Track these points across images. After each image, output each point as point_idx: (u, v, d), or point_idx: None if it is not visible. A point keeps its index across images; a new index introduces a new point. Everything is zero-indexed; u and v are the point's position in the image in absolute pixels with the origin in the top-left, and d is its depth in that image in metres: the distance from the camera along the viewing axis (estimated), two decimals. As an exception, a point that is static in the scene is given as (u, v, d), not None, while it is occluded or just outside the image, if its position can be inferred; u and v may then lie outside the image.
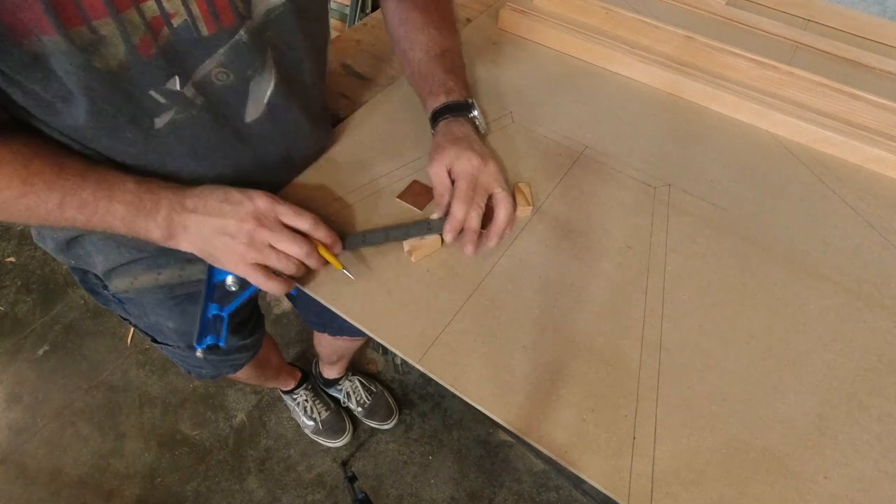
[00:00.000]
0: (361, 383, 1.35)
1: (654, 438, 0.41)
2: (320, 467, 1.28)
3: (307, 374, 1.34)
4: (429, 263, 0.51)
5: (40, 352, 1.42)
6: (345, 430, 1.31)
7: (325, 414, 1.30)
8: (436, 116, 0.57)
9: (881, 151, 0.62)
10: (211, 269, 0.49)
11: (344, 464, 1.28)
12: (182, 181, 0.47)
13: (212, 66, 0.43)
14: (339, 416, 1.33)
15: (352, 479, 1.06)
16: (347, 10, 1.38)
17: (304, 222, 0.47)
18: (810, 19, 0.87)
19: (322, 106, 0.59)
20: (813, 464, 0.41)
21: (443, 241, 0.50)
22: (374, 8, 1.31)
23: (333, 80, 0.71)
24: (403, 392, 1.40)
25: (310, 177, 0.57)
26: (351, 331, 0.97)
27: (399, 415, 1.35)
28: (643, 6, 0.81)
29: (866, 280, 0.53)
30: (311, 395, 1.31)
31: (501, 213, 0.50)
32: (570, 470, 0.40)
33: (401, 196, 0.55)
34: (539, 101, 0.68)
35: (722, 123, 0.68)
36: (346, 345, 1.16)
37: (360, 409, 1.33)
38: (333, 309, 0.47)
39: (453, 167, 0.52)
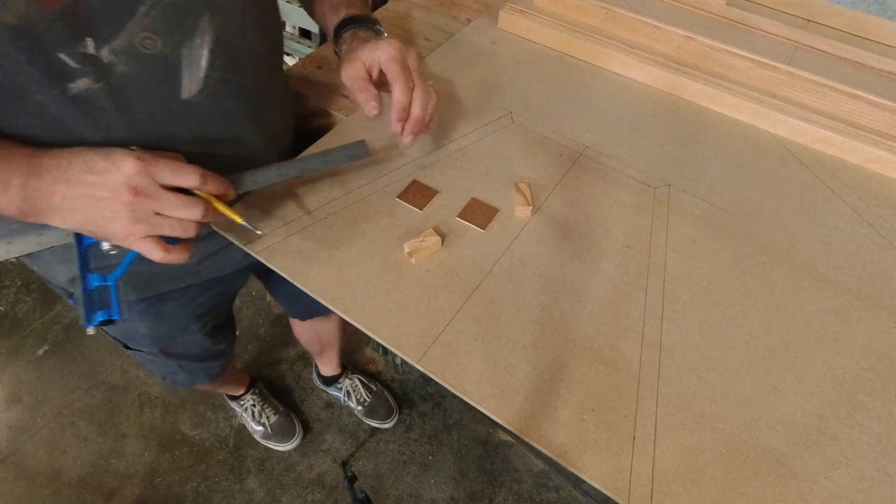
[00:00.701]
0: (361, 382, 1.35)
1: (654, 438, 0.41)
2: (320, 467, 1.28)
3: (254, 379, 1.33)
4: (429, 264, 0.51)
5: (40, 352, 1.42)
6: (294, 433, 1.30)
7: (273, 418, 1.29)
8: (338, 31, 0.54)
9: (881, 151, 0.62)
10: (78, 234, 0.44)
11: (344, 464, 1.28)
12: None
13: (136, 31, 0.38)
14: (289, 419, 1.32)
15: (352, 479, 1.06)
16: (347, 10, 1.38)
17: (188, 179, 0.41)
18: (810, 19, 0.87)
19: (279, 100, 0.56)
20: (813, 464, 0.41)
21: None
22: (375, 8, 1.30)
23: (334, 79, 0.71)
24: (403, 392, 1.40)
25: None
26: (318, 309, 0.97)
27: (399, 414, 1.35)
28: (643, 6, 0.81)
29: (866, 280, 0.53)
30: (259, 399, 1.30)
31: (429, 104, 0.49)
32: (570, 470, 0.40)
33: (401, 196, 0.55)
34: (539, 101, 0.68)
35: (722, 123, 0.68)
36: (322, 328, 1.13)
37: (360, 407, 1.33)
38: (333, 309, 0.47)
39: (371, 61, 0.48)
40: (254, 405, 1.29)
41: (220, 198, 0.44)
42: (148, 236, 0.41)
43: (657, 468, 0.40)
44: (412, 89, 0.48)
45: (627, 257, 0.52)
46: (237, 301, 1.45)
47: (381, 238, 0.52)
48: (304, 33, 1.45)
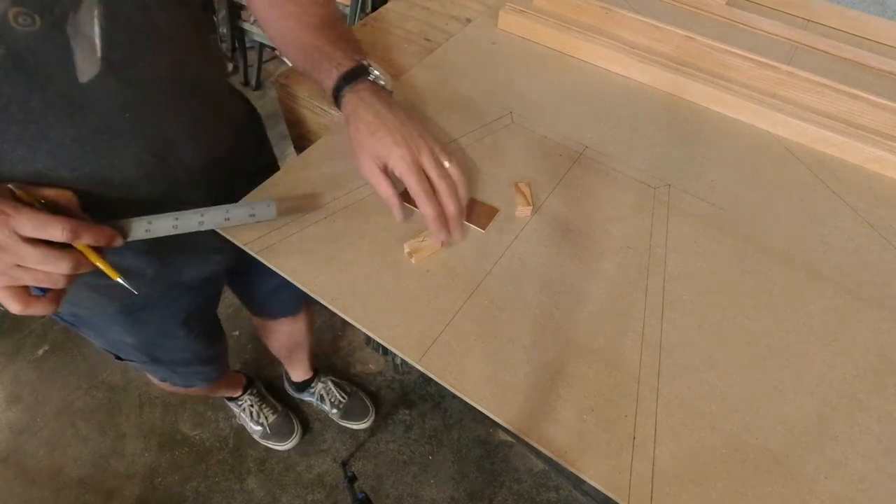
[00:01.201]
0: (334, 383, 1.34)
1: (654, 438, 0.41)
2: (320, 467, 1.28)
3: (252, 379, 1.32)
4: (429, 264, 0.51)
5: (40, 352, 1.42)
6: (293, 432, 1.30)
7: (272, 418, 1.29)
8: (336, 95, 0.52)
9: (881, 151, 0.62)
10: None
11: (344, 464, 1.28)
12: None
13: (4, 7, 0.35)
14: (287, 418, 1.31)
15: (352, 479, 1.06)
16: (347, 10, 1.38)
17: (53, 233, 0.38)
18: (810, 19, 0.87)
19: (217, 103, 0.52)
20: (813, 464, 0.41)
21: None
22: (374, 8, 1.31)
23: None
24: (403, 392, 1.40)
25: (297, 173, 0.57)
26: (284, 309, 0.96)
27: (376, 414, 1.34)
28: (643, 6, 0.81)
29: (866, 280, 0.53)
30: (257, 399, 1.30)
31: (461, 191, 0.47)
32: (570, 470, 0.40)
33: (401, 196, 0.55)
34: (539, 102, 0.68)
35: (722, 123, 0.68)
36: (291, 329, 1.09)
37: (335, 410, 1.32)
38: (333, 309, 0.47)
39: (386, 164, 0.47)
40: (252, 405, 1.28)
41: (105, 246, 0.41)
42: (6, 287, 0.38)
43: (657, 468, 0.40)
44: (435, 196, 0.46)
45: (627, 257, 0.52)
46: (236, 301, 1.45)
47: (381, 238, 0.52)
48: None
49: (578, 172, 0.60)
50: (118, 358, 0.78)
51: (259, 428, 1.28)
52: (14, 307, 0.39)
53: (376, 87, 0.52)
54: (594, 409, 0.43)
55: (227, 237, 0.50)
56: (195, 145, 0.52)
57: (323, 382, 1.34)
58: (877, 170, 0.63)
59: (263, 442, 1.30)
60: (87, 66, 0.39)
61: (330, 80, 0.52)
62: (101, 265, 0.42)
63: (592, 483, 0.39)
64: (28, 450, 1.26)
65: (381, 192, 0.48)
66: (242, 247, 0.50)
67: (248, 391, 1.29)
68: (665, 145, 0.64)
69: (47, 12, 0.36)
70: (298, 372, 1.29)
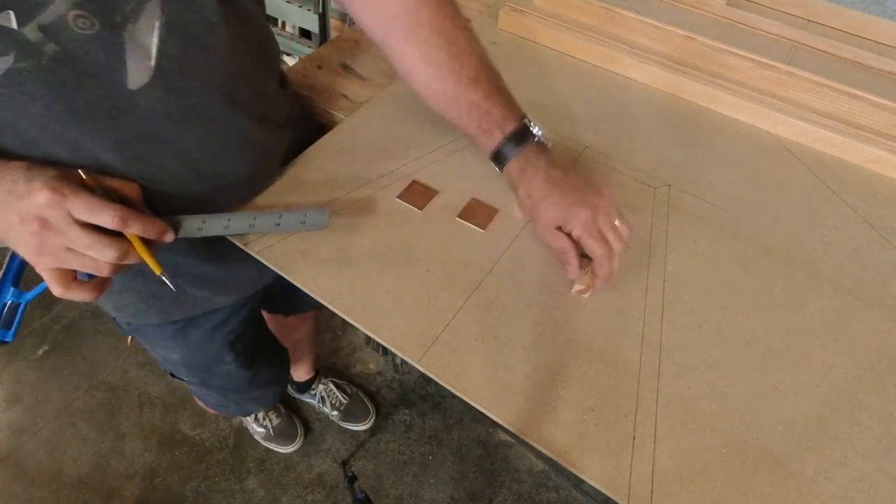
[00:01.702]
0: (335, 384, 1.34)
1: (654, 438, 0.41)
2: (320, 467, 1.28)
3: None
4: (428, 264, 0.51)
5: (40, 352, 1.42)
6: (296, 436, 1.29)
7: (275, 420, 1.27)
8: (499, 157, 0.50)
9: (881, 151, 0.62)
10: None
11: (344, 464, 1.28)
12: (33, 159, 0.39)
13: (66, 9, 0.35)
14: (291, 421, 1.30)
15: (352, 479, 1.06)
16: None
17: (105, 219, 0.38)
18: (810, 19, 0.87)
19: (265, 91, 0.51)
20: (813, 464, 0.41)
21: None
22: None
23: (334, 79, 0.71)
24: (403, 392, 1.40)
25: (303, 173, 0.57)
26: (300, 305, 0.95)
27: (376, 415, 1.34)
28: (643, 6, 0.81)
29: (866, 280, 0.53)
30: None
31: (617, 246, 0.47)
32: (570, 470, 0.40)
33: (401, 196, 0.55)
34: (538, 102, 0.68)
35: (722, 124, 0.68)
36: (300, 326, 1.09)
37: (335, 412, 1.31)
38: (333, 309, 0.47)
39: (564, 226, 0.47)
40: None
41: (155, 238, 0.42)
42: (53, 268, 0.39)
43: (657, 468, 0.40)
44: (613, 258, 0.47)
45: (627, 257, 0.52)
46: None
47: (381, 238, 0.52)
48: (304, 33, 1.45)
49: (578, 172, 0.60)
50: (172, 375, 0.78)
51: (262, 430, 1.27)
52: (56, 289, 0.40)
53: (542, 148, 0.50)
54: (594, 409, 0.43)
55: (231, 239, 0.50)
56: (241, 160, 0.51)
57: (324, 384, 1.34)
58: (877, 170, 0.63)
59: (266, 444, 1.29)
60: (139, 73, 0.39)
61: (492, 142, 0.50)
62: (146, 257, 0.42)
63: (592, 483, 0.39)
64: (28, 450, 1.26)
65: (559, 251, 0.49)
66: (243, 247, 0.50)
67: None
68: (665, 145, 0.64)
69: (108, 18, 0.36)
70: (300, 371, 1.29)
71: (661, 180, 0.60)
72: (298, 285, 0.48)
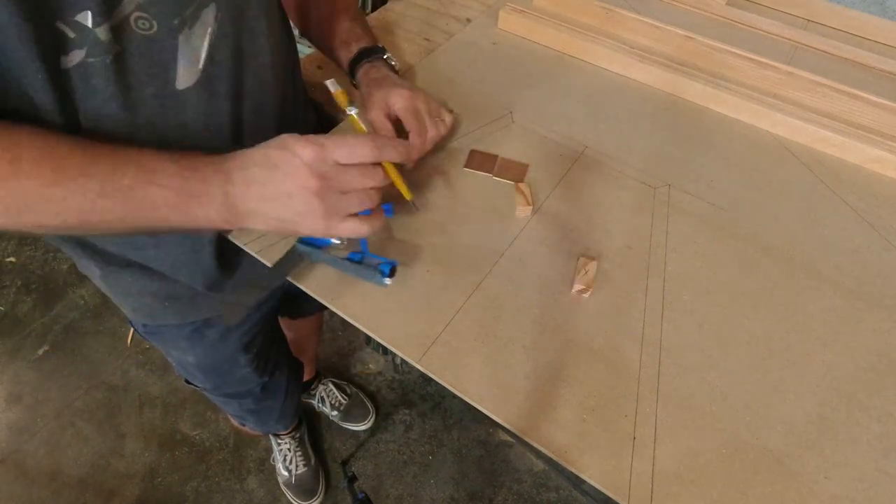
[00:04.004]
0: (335, 384, 1.33)
1: (654, 438, 0.41)
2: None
3: (301, 420, 1.26)
4: (428, 264, 0.51)
5: (40, 352, 1.42)
6: (316, 492, 1.22)
7: (301, 469, 1.21)
8: (352, 66, 0.59)
9: (881, 151, 0.62)
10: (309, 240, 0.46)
11: (344, 464, 1.28)
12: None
13: (131, 9, 0.37)
14: (316, 475, 1.23)
15: (352, 479, 1.06)
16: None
17: (364, 153, 0.40)
18: (810, 19, 0.87)
19: (294, 96, 0.57)
20: (813, 464, 0.41)
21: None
22: (375, 8, 1.30)
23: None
24: (403, 392, 1.40)
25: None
26: (309, 307, 0.96)
27: (376, 415, 1.34)
28: (643, 6, 0.81)
29: (866, 280, 0.53)
30: (297, 445, 1.23)
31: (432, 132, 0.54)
32: (570, 470, 0.40)
33: (467, 165, 0.59)
34: (539, 101, 0.68)
35: (722, 123, 0.68)
36: (305, 327, 1.09)
37: (335, 412, 1.31)
38: (333, 309, 0.47)
39: (389, 108, 0.53)
40: (289, 448, 1.22)
41: (403, 161, 0.45)
42: (346, 218, 0.41)
43: (657, 468, 0.40)
44: (425, 133, 0.53)
45: (627, 257, 0.52)
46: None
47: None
48: (305, 33, 1.45)
49: (578, 172, 0.60)
50: (187, 382, 0.79)
51: (286, 474, 1.21)
52: (364, 230, 0.41)
53: (390, 67, 0.59)
54: (594, 408, 0.43)
55: (228, 237, 0.50)
56: None
57: (323, 384, 1.34)
58: (877, 170, 0.63)
59: (284, 489, 1.23)
60: (188, 74, 0.42)
61: (349, 53, 0.58)
62: (396, 179, 0.46)
63: (592, 483, 0.39)
64: (28, 450, 1.26)
65: (378, 129, 0.54)
66: (243, 246, 0.50)
67: (293, 433, 1.22)
68: (665, 145, 0.64)
69: (167, 21, 0.39)
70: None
71: (661, 180, 0.60)
72: (298, 285, 0.48)
